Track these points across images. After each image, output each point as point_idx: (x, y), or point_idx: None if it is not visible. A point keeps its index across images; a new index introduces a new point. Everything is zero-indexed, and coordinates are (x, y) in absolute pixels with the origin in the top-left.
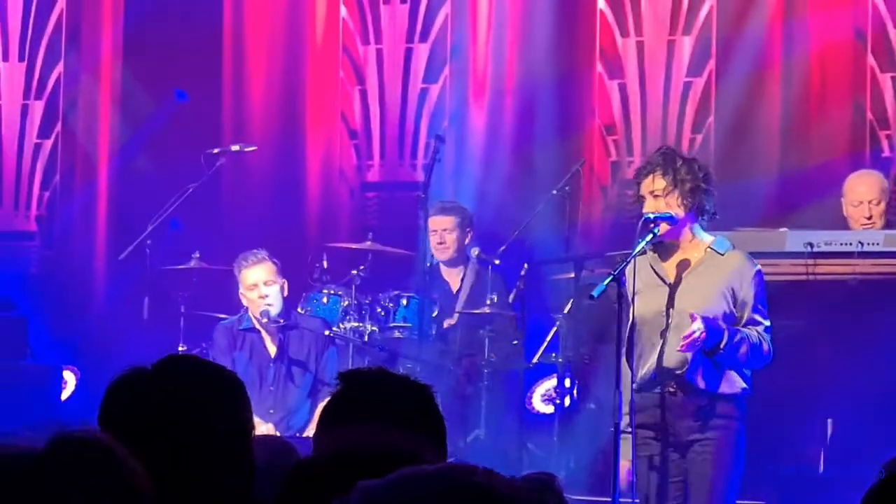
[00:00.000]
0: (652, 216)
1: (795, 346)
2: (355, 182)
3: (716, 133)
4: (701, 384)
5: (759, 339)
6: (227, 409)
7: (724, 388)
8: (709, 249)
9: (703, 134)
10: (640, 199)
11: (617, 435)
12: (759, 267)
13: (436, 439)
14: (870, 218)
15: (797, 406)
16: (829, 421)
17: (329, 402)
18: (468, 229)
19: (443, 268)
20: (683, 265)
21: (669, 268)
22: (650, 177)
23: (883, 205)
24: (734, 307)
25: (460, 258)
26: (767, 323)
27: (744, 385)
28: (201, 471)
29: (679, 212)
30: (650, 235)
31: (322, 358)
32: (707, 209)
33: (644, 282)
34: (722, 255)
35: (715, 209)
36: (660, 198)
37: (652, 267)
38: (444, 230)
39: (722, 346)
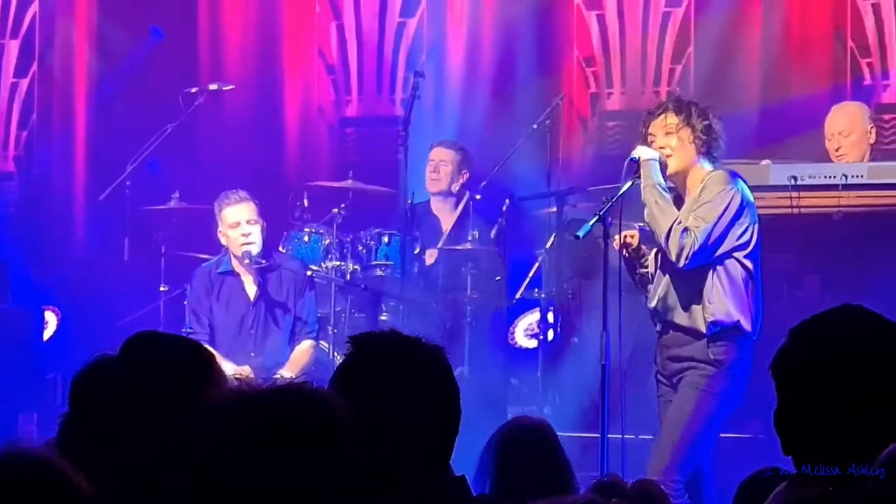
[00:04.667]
0: (636, 157)
1: (781, 279)
2: (334, 118)
3: (696, 64)
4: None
5: (669, 227)
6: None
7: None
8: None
9: (683, 65)
10: (648, 139)
11: (605, 375)
12: (733, 186)
13: (447, 403)
14: (838, 150)
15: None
16: None
17: (342, 366)
18: (464, 171)
19: (434, 204)
20: (680, 201)
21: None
22: (662, 116)
23: (855, 135)
24: None
25: (454, 196)
26: (699, 226)
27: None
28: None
29: (690, 149)
30: (634, 176)
31: (302, 298)
32: (714, 154)
33: None
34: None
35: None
36: (672, 134)
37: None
38: (441, 161)
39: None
